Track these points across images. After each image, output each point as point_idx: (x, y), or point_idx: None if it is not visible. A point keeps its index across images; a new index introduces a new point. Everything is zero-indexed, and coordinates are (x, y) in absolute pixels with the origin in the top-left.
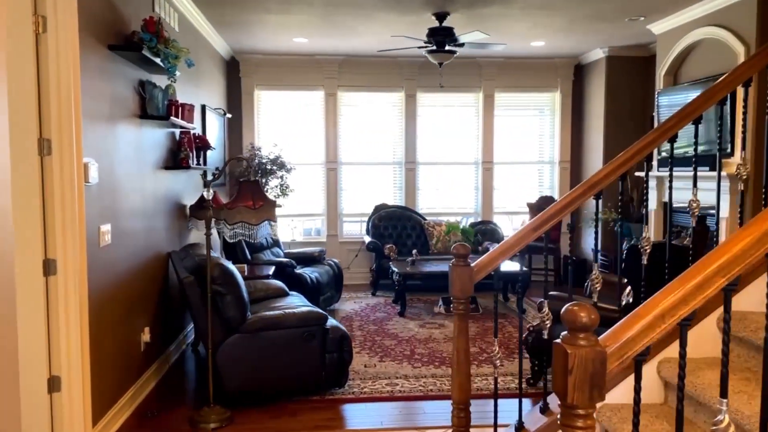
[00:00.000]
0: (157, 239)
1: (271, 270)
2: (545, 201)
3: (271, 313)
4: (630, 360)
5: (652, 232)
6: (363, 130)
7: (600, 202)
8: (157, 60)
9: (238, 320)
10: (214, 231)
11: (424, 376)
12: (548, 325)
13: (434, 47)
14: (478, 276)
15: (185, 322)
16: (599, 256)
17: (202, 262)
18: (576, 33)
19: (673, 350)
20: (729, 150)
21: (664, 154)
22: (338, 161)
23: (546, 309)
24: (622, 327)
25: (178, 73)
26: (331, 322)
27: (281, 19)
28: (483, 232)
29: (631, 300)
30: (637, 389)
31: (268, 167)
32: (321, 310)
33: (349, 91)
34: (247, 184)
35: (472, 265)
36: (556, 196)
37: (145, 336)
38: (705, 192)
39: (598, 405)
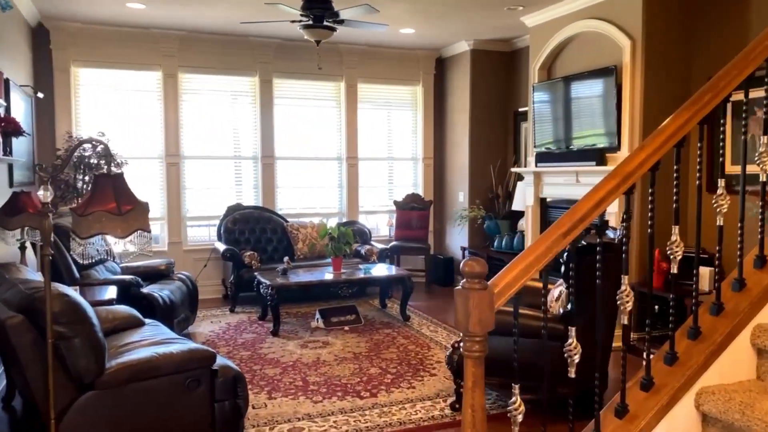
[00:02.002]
0: None
1: (114, 292)
2: (412, 199)
3: (138, 355)
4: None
5: (529, 229)
6: (211, 119)
7: (631, 198)
8: None
9: (94, 371)
10: (28, 243)
11: (331, 413)
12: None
13: (311, 22)
14: (499, 301)
15: None
16: (467, 254)
17: (34, 294)
18: (449, 21)
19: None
20: (616, 144)
21: (538, 148)
22: (180, 155)
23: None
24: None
25: None
26: (220, 361)
27: None
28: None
29: (569, 307)
30: None
31: (93, 162)
32: (207, 347)
33: (193, 73)
34: (105, 180)
35: (489, 282)
36: (422, 194)
37: None
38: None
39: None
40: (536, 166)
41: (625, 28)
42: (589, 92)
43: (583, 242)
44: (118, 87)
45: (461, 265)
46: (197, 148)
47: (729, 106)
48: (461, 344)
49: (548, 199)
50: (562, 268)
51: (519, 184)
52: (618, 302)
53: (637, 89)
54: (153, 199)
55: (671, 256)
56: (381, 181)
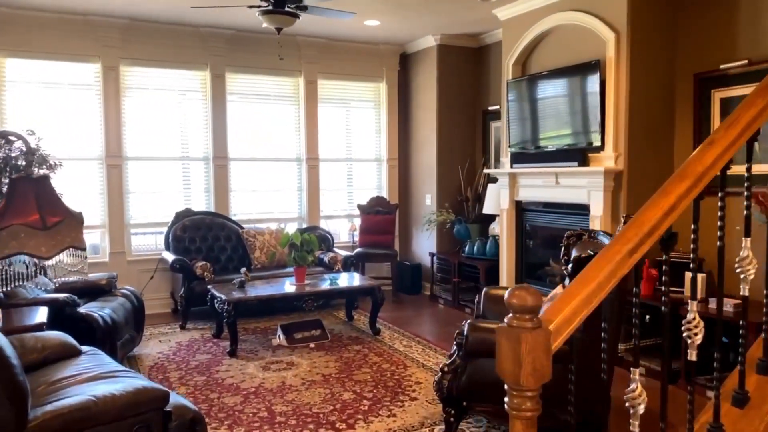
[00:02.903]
0: None
1: (45, 314)
2: (377, 202)
3: (71, 400)
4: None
5: (504, 233)
6: (157, 117)
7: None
8: None
9: (13, 425)
10: None
11: None
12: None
13: (271, 7)
14: (556, 341)
15: None
16: (435, 260)
17: None
18: (417, 13)
19: None
20: (599, 143)
21: (513, 148)
22: (123, 156)
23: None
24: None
25: None
26: (174, 399)
27: None
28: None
29: None
30: None
31: (20, 163)
32: (158, 385)
33: (137, 66)
34: (26, 184)
35: (541, 313)
36: (386, 196)
37: None
38: (573, 189)
39: None
40: (512, 167)
41: (609, 20)
42: (570, 88)
43: (590, 251)
44: (51, 80)
45: (506, 296)
46: (142, 149)
47: (717, 103)
48: (453, 367)
49: (524, 202)
50: (567, 281)
51: (490, 186)
52: (684, 334)
53: (622, 85)
54: (92, 205)
55: (742, 276)
56: (343, 183)
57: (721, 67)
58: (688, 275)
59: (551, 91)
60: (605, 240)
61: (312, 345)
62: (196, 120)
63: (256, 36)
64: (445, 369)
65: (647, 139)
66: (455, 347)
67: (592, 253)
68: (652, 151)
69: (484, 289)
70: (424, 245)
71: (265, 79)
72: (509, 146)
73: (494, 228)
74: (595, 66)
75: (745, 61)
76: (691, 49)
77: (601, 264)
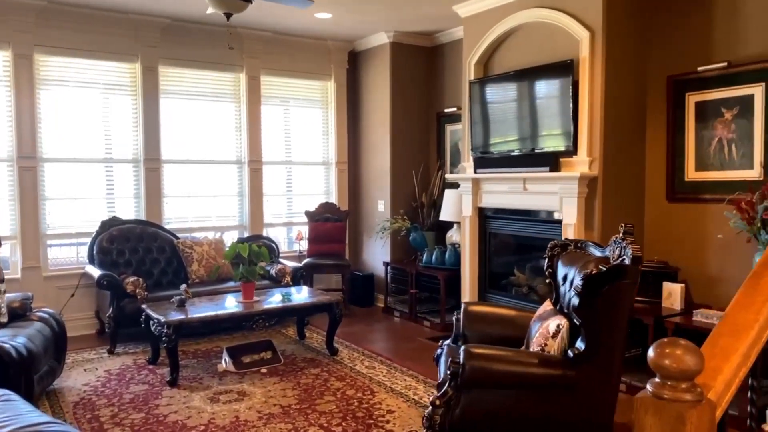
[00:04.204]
0: None
1: None
2: (326, 209)
3: None
4: None
5: (466, 242)
6: (79, 113)
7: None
8: None
9: None
10: None
11: None
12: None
13: None
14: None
15: None
16: (390, 270)
17: None
18: (372, 6)
19: None
20: (572, 148)
21: (477, 152)
22: (38, 157)
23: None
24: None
25: None
26: None
27: None
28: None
29: (583, 347)
30: None
31: None
32: None
33: (56, 55)
34: None
35: (696, 379)
36: (336, 202)
37: None
38: (543, 196)
39: None
40: (475, 172)
41: (582, 18)
42: (539, 90)
43: (602, 267)
44: None
45: (653, 355)
46: (61, 149)
47: (692, 107)
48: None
49: (488, 209)
50: (570, 299)
51: (447, 191)
52: None
53: (597, 86)
54: (0, 213)
55: None
56: (288, 188)
57: (699, 69)
58: (666, 285)
59: (520, 92)
60: (596, 252)
61: (264, 370)
62: (125, 118)
63: (194, 26)
64: (437, 402)
65: (621, 143)
66: (449, 376)
67: (604, 269)
68: (626, 156)
69: (463, 305)
70: (377, 254)
71: (203, 74)
72: (472, 150)
73: (452, 236)
74: (569, 66)
75: (725, 63)
76: (665, 51)
77: (755, 304)
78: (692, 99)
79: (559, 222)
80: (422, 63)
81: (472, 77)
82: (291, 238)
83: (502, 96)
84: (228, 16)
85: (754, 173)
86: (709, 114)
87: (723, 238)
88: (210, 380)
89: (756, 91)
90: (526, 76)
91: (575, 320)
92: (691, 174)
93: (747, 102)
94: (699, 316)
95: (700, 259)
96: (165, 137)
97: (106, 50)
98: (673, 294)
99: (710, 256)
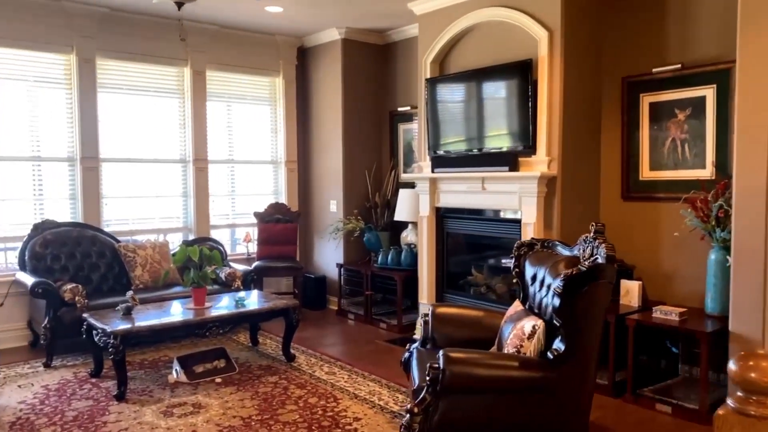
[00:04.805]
0: None
1: None
2: (276, 209)
3: None
4: None
5: (424, 241)
6: (6, 108)
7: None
8: None
9: None
10: None
11: None
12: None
13: None
14: None
15: None
16: (343, 272)
17: None
18: (328, 0)
19: None
20: (531, 147)
21: (435, 152)
22: None
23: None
24: None
25: None
26: None
27: None
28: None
29: (563, 347)
30: None
31: None
32: None
33: None
34: None
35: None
36: (286, 202)
37: None
38: (502, 195)
39: None
40: (432, 171)
41: (541, 18)
42: (498, 89)
43: (581, 267)
44: None
45: (734, 367)
46: None
47: (646, 107)
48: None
49: (446, 209)
50: (550, 299)
51: (402, 191)
52: None
53: (556, 86)
54: None
55: None
56: (232, 188)
57: (654, 71)
58: (624, 282)
59: (478, 91)
60: (564, 251)
61: (218, 379)
62: (58, 113)
63: (135, 17)
64: (415, 409)
65: (578, 143)
66: (428, 382)
67: (584, 269)
68: (582, 156)
69: (431, 308)
70: (330, 256)
71: (145, 68)
72: (429, 149)
73: (407, 236)
74: (528, 65)
75: (678, 65)
76: (620, 52)
77: None
78: (646, 100)
79: (518, 221)
80: (374, 61)
81: (428, 75)
82: (236, 240)
83: (459, 95)
84: (179, 5)
85: (707, 173)
86: (663, 114)
87: (676, 236)
88: (161, 392)
89: (708, 92)
90: (485, 75)
91: (555, 321)
92: (646, 173)
93: (699, 103)
94: (658, 313)
95: (654, 257)
96: (104, 134)
97: (37, 40)
98: (630, 291)
99: (664, 253)
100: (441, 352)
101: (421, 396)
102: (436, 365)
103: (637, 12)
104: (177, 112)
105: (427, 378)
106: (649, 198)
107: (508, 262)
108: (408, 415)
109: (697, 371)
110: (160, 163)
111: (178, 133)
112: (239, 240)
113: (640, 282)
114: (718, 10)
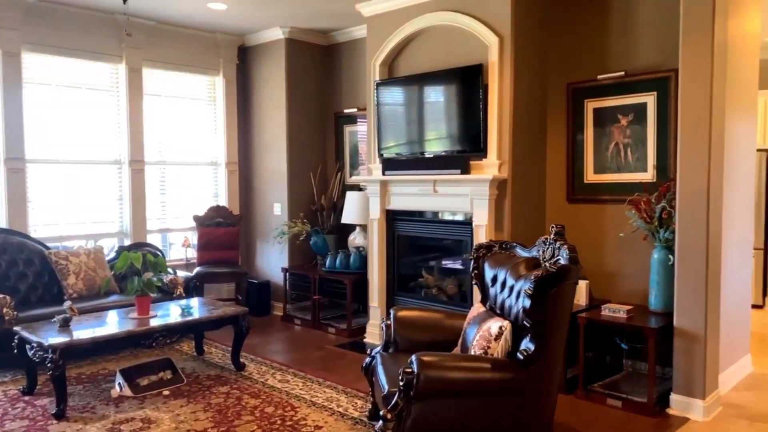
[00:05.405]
0: None
1: None
2: (217, 212)
3: None
4: None
5: (375, 244)
6: None
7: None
8: None
9: None
10: None
11: None
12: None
13: None
14: None
15: None
16: (289, 276)
17: None
18: None
19: None
20: (482, 151)
21: (385, 154)
22: None
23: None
24: None
25: None
26: None
27: None
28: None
29: (533, 347)
30: None
31: None
32: None
33: None
34: None
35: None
36: (227, 205)
37: None
38: (454, 198)
39: None
40: (383, 174)
41: (491, 24)
42: (450, 93)
43: (550, 269)
44: None
45: None
46: None
47: (590, 113)
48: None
49: (397, 211)
50: (515, 300)
51: (349, 194)
52: None
53: (506, 91)
54: None
55: None
56: (162, 190)
57: (599, 77)
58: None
59: (430, 94)
60: (523, 253)
61: (166, 392)
62: None
63: (65, 9)
64: (388, 416)
65: (526, 147)
66: (401, 387)
67: (554, 270)
68: (530, 160)
69: (392, 312)
70: (274, 260)
71: (75, 63)
72: (380, 152)
73: (355, 239)
74: (479, 70)
75: (622, 73)
76: (566, 59)
77: None
78: (591, 105)
79: (470, 223)
80: (319, 61)
81: (377, 78)
82: (169, 245)
83: (410, 98)
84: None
85: (648, 176)
86: (607, 120)
87: (621, 237)
88: (104, 408)
89: (649, 99)
90: (436, 78)
91: (524, 321)
92: (590, 176)
93: (641, 109)
94: (606, 311)
95: (598, 257)
96: (30, 134)
97: None
98: (578, 290)
99: (608, 253)
100: (414, 357)
101: (394, 401)
102: (410, 369)
103: (583, 21)
104: (112, 110)
105: (401, 383)
106: (593, 200)
107: (453, 264)
108: (381, 422)
109: (640, 365)
110: (93, 164)
111: (113, 133)
112: (173, 245)
113: (587, 281)
114: (658, 21)
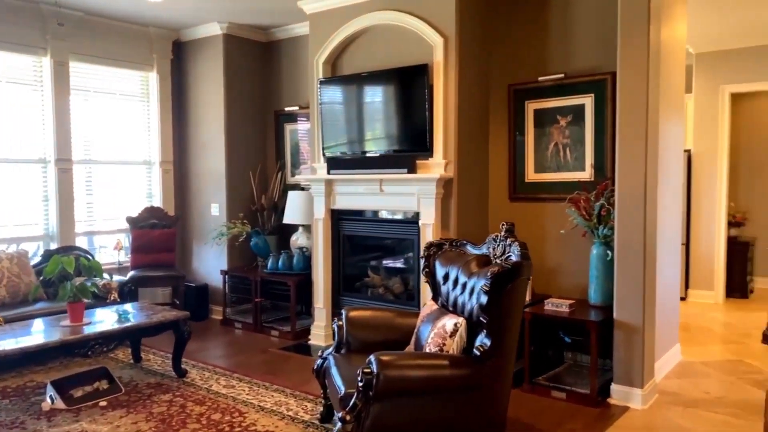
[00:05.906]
0: None
1: None
2: (152, 214)
3: None
4: None
5: (319, 244)
6: None
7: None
8: None
9: None
10: None
11: None
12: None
13: None
14: None
15: None
16: (228, 279)
17: None
18: None
19: None
20: (427, 149)
21: (329, 153)
22: None
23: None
24: None
25: None
26: None
27: None
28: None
29: (489, 343)
30: None
31: None
32: None
33: None
34: None
35: None
36: (162, 206)
37: None
38: (401, 197)
39: None
40: (329, 173)
41: (436, 24)
42: (395, 92)
43: (505, 265)
44: None
45: None
46: None
47: (531, 114)
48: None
49: (342, 211)
50: (468, 297)
51: (291, 193)
52: None
53: (451, 91)
54: None
55: None
56: (89, 191)
57: (540, 79)
58: None
59: (374, 93)
60: (474, 250)
61: (103, 403)
62: None
63: None
64: (347, 417)
65: (470, 146)
66: (360, 388)
67: (509, 267)
68: (474, 159)
69: (344, 312)
70: (212, 263)
71: None
72: (324, 151)
73: (297, 239)
74: (424, 70)
75: (562, 75)
76: (507, 61)
77: None
78: (531, 106)
79: (417, 222)
80: (258, 58)
81: (320, 76)
82: (98, 248)
83: (355, 97)
84: None
85: (586, 174)
86: (547, 121)
87: (562, 234)
88: (35, 423)
89: (587, 101)
90: (382, 77)
91: (481, 318)
92: (531, 175)
93: (579, 110)
94: (550, 306)
95: (540, 253)
96: None
97: None
98: None
99: (549, 250)
100: (373, 356)
101: (352, 402)
102: (369, 370)
103: (524, 24)
104: (36, 106)
105: (360, 383)
106: (534, 198)
107: (400, 263)
108: (339, 424)
109: (581, 358)
110: (15, 163)
111: (37, 130)
112: (100, 248)
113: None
114: (594, 25)
